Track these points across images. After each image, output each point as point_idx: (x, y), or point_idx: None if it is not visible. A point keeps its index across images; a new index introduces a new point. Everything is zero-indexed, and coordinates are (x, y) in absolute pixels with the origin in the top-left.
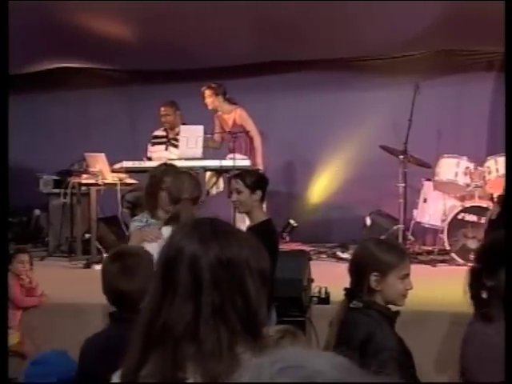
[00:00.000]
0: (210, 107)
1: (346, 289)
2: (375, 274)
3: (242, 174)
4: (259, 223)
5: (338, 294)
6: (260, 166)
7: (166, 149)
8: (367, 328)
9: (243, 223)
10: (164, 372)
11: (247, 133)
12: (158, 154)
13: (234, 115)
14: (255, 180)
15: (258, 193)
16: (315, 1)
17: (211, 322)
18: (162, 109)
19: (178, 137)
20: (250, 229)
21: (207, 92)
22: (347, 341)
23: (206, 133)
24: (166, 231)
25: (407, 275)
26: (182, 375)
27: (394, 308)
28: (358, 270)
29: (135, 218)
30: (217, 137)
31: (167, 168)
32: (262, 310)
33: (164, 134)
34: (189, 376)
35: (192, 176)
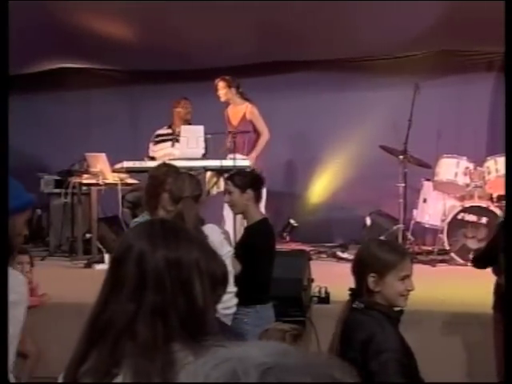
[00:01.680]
0: (222, 99)
1: (350, 289)
2: (373, 274)
3: (232, 174)
4: (255, 223)
5: (338, 293)
6: (250, 162)
7: (173, 145)
8: (368, 329)
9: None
10: (100, 368)
11: (254, 130)
12: (164, 152)
13: (244, 109)
14: (245, 180)
15: (249, 192)
16: (316, 1)
17: (149, 319)
18: (188, 105)
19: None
20: (246, 229)
21: (221, 84)
22: (349, 341)
23: (206, 133)
24: None
25: (407, 276)
26: (115, 371)
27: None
28: (359, 271)
29: (136, 219)
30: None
31: (169, 169)
32: (208, 311)
33: (169, 131)
34: (122, 372)
35: (192, 175)
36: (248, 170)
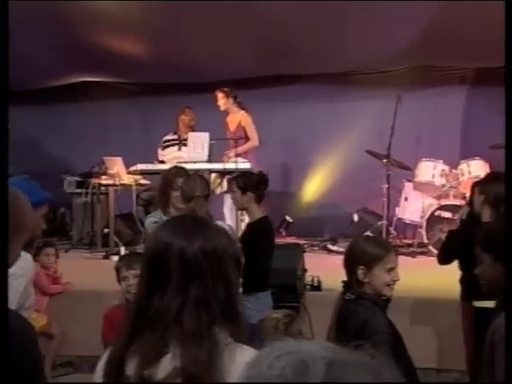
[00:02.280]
0: (222, 108)
1: (343, 281)
2: (361, 267)
3: (237, 176)
4: (256, 220)
5: (328, 282)
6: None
7: (179, 149)
8: (361, 316)
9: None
10: (150, 348)
11: (246, 136)
12: (172, 155)
13: (240, 117)
14: (246, 183)
15: (249, 194)
16: (315, 3)
17: (195, 311)
18: (192, 113)
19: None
20: (249, 225)
21: (220, 94)
22: (344, 328)
23: (211, 139)
24: None
25: (393, 268)
26: (165, 350)
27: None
28: (350, 264)
29: (150, 215)
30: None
31: (179, 170)
32: (238, 293)
33: (175, 137)
34: (171, 351)
35: (202, 177)
36: (254, 172)
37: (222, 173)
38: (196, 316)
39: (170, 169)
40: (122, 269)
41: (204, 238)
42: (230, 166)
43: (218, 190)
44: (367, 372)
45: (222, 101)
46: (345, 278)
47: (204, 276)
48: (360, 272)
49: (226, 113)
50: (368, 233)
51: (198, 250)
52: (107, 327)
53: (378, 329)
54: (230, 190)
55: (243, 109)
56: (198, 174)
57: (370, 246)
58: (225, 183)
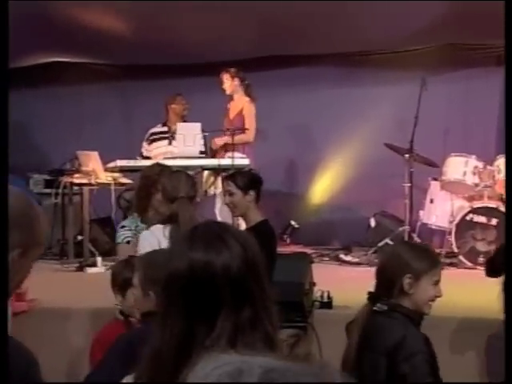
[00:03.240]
0: (227, 92)
1: (369, 292)
2: (409, 275)
3: (233, 175)
4: (256, 224)
5: (340, 298)
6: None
7: (170, 143)
8: (396, 332)
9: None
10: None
11: (244, 128)
12: (160, 150)
13: (242, 104)
14: (247, 180)
15: (252, 193)
16: None
17: (250, 336)
18: (184, 102)
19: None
20: (246, 231)
21: (225, 76)
22: (372, 346)
23: (203, 130)
24: (158, 230)
25: (438, 281)
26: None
27: None
28: (389, 273)
29: (123, 223)
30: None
31: (163, 168)
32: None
33: (165, 129)
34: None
35: (188, 175)
36: (246, 169)
37: (217, 170)
38: (252, 342)
39: (153, 166)
40: (125, 273)
41: (241, 246)
42: (226, 162)
43: (212, 191)
44: (311, 377)
45: (228, 83)
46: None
47: (253, 292)
48: (407, 282)
49: (230, 97)
50: (387, 240)
51: (240, 262)
52: (99, 353)
53: (417, 348)
54: (225, 192)
55: (249, 95)
56: (184, 171)
57: (420, 253)
58: (219, 182)
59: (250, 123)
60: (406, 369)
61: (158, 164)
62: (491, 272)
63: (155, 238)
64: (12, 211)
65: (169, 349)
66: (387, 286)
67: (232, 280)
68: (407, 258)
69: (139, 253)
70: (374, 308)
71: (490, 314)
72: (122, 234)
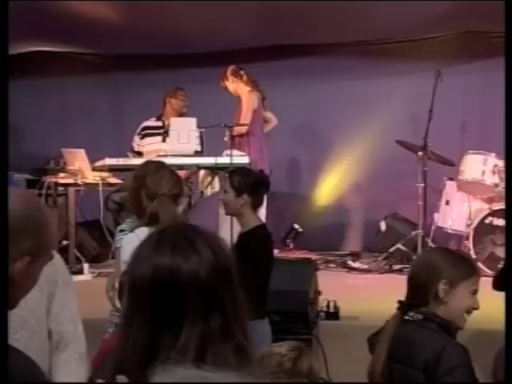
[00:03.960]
0: (235, 94)
1: (400, 301)
2: (445, 281)
3: (233, 172)
4: (251, 229)
5: (348, 308)
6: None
7: (164, 140)
8: (434, 343)
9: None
10: None
11: (242, 123)
12: (153, 147)
13: (242, 95)
14: (243, 182)
15: (245, 197)
16: None
17: (220, 346)
18: (184, 97)
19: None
20: (241, 235)
21: (223, 82)
22: (405, 359)
23: (199, 127)
24: (143, 233)
25: (476, 292)
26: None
27: None
28: (423, 279)
29: (122, 227)
30: None
31: (158, 165)
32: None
33: (159, 124)
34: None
35: (173, 172)
36: (253, 170)
37: (214, 169)
38: (223, 354)
39: (147, 163)
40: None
41: (212, 250)
42: (224, 160)
43: (209, 191)
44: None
45: (229, 86)
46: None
47: (223, 300)
48: (442, 287)
49: (238, 98)
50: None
51: (210, 268)
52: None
53: (458, 361)
54: (222, 190)
55: (248, 84)
56: (168, 168)
57: (456, 259)
58: (217, 182)
59: (244, 114)
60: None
61: (152, 161)
62: (498, 286)
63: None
64: (19, 216)
65: (132, 359)
66: (420, 293)
67: (200, 287)
68: (443, 263)
69: (122, 259)
70: (406, 317)
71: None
72: (121, 239)
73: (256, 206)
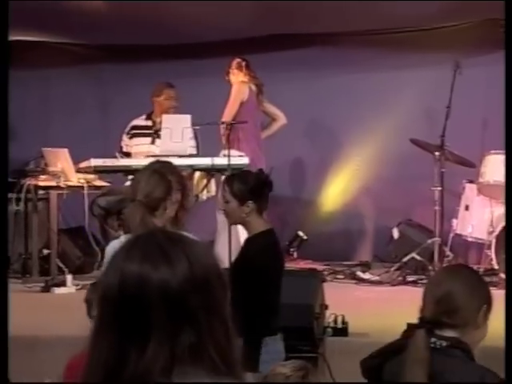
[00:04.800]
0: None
1: (422, 318)
2: (486, 306)
3: (231, 178)
4: (256, 235)
5: (357, 323)
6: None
7: (153, 141)
8: (472, 376)
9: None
10: None
11: (242, 120)
12: (141, 149)
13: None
14: (246, 189)
15: (250, 204)
16: None
17: (189, 365)
18: (173, 94)
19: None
20: (247, 241)
21: (235, 71)
22: None
23: (194, 124)
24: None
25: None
26: None
27: None
28: (464, 301)
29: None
30: None
31: (165, 165)
32: (233, 329)
33: (149, 123)
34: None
35: (159, 176)
36: (252, 170)
37: (210, 171)
38: (192, 374)
39: (153, 165)
40: (93, 304)
41: (188, 260)
42: (221, 161)
43: (205, 195)
44: None
45: (232, 78)
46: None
47: (196, 315)
48: (483, 313)
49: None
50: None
51: (183, 279)
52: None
53: None
54: (222, 198)
55: (249, 78)
56: (155, 170)
57: (483, 280)
58: (213, 185)
59: (229, 106)
60: None
61: (158, 161)
62: None
63: None
64: None
65: (95, 376)
66: (456, 315)
67: (170, 299)
68: (483, 285)
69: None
70: (431, 344)
71: None
72: (112, 247)
73: (262, 210)
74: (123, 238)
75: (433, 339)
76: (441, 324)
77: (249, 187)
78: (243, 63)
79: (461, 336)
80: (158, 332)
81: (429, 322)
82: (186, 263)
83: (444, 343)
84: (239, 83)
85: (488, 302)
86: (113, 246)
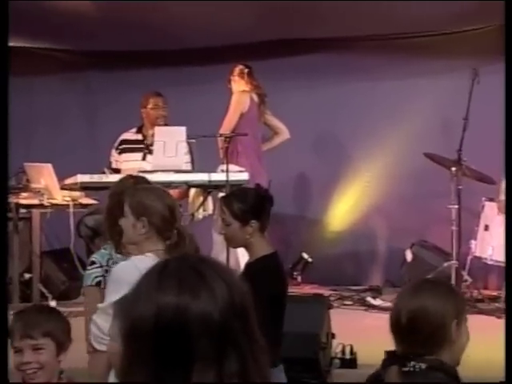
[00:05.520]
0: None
1: (390, 352)
2: (456, 320)
3: (228, 198)
4: (258, 260)
5: (367, 354)
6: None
7: (144, 157)
8: None
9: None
10: None
11: (242, 133)
12: (132, 165)
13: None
14: (247, 208)
15: (253, 224)
16: None
17: None
18: (161, 104)
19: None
20: (247, 267)
21: (236, 78)
22: None
23: (189, 137)
24: (141, 263)
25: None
26: None
27: None
28: (432, 325)
29: (94, 257)
30: None
31: (139, 181)
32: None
33: (139, 137)
34: None
35: (156, 192)
36: (250, 186)
37: (207, 187)
38: None
39: (124, 179)
40: (16, 335)
41: (226, 285)
42: (219, 177)
43: (201, 213)
44: None
45: (234, 85)
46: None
47: (239, 341)
48: (454, 329)
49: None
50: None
51: (224, 305)
52: None
53: None
54: (221, 220)
55: (248, 83)
56: (152, 188)
57: (450, 290)
58: (210, 203)
59: (228, 117)
60: None
61: (131, 176)
62: None
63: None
64: None
65: None
66: (428, 341)
67: (213, 329)
68: (448, 300)
69: (109, 295)
70: (405, 369)
71: None
72: (92, 274)
73: (264, 229)
74: (137, 261)
75: (411, 363)
76: (409, 352)
77: (249, 205)
78: (245, 70)
79: (440, 356)
80: (201, 362)
81: (394, 355)
82: (225, 288)
83: (423, 366)
84: (240, 93)
85: (458, 314)
86: (124, 270)
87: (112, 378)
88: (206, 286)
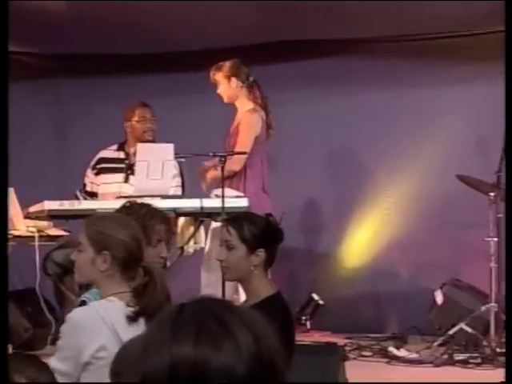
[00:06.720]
0: (225, 99)
1: None
2: None
3: (238, 219)
4: (262, 301)
5: None
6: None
7: (127, 179)
8: None
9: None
10: None
11: (237, 151)
12: (110, 188)
13: (240, 114)
14: (258, 232)
15: (260, 253)
16: None
17: None
18: (149, 116)
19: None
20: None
21: (216, 75)
22: None
23: (178, 156)
24: (102, 308)
25: None
26: None
27: None
28: None
29: (84, 297)
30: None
31: (151, 211)
32: None
33: (121, 155)
34: None
35: (121, 220)
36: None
37: (199, 215)
38: None
39: (135, 206)
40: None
41: (252, 334)
42: (212, 203)
43: (191, 248)
44: None
45: (222, 86)
46: None
47: None
48: None
49: (233, 107)
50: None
51: (249, 357)
52: None
53: None
54: (222, 244)
55: (254, 100)
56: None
57: None
58: (202, 234)
59: (243, 141)
60: None
61: (142, 205)
62: None
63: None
64: None
65: None
66: None
67: (235, 382)
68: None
69: (61, 351)
70: None
71: None
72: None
73: (270, 264)
74: (98, 307)
75: None
76: None
77: (260, 230)
78: (245, 69)
79: None
80: None
81: None
82: (251, 337)
83: None
84: (250, 112)
85: None
86: (81, 318)
87: None
88: (228, 335)
